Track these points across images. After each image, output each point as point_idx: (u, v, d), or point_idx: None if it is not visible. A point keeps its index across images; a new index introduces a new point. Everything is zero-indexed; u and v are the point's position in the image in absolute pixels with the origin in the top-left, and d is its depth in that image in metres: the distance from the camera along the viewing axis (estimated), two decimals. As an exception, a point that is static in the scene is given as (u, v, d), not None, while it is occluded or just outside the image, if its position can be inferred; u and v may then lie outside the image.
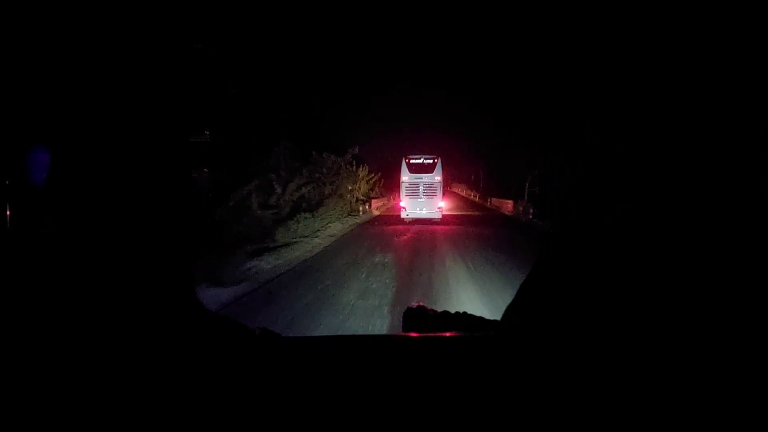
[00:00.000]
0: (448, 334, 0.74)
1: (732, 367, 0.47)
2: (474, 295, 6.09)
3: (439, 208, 16.97)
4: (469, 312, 0.86)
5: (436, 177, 17.07)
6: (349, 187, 19.69)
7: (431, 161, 17.28)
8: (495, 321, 0.76)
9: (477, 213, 23.31)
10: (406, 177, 17.15)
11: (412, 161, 17.32)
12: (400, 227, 15.35)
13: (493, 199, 28.99)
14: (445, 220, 17.12)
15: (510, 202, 23.96)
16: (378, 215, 21.66)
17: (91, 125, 0.58)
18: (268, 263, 8.74)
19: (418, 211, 16.87)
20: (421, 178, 17.03)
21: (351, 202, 20.48)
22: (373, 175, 27.61)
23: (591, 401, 0.48)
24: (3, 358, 0.50)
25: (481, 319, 0.82)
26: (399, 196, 17.86)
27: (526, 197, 21.62)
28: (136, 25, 0.62)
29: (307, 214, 13.75)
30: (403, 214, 17.06)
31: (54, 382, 0.51)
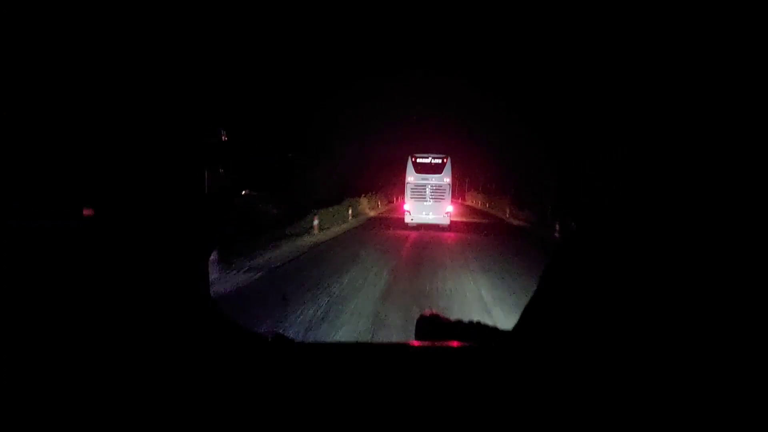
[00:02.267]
0: (459, 344, 0.76)
1: (741, 372, 0.47)
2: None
3: (447, 213, 15.76)
4: (482, 322, 0.90)
5: (445, 178, 15.94)
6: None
7: (440, 161, 16.08)
8: (508, 331, 0.79)
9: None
10: (411, 177, 15.97)
11: (418, 160, 16.13)
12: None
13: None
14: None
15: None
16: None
17: (108, 125, 0.59)
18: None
19: (424, 216, 15.63)
20: (428, 179, 15.86)
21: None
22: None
23: (600, 414, 0.49)
24: (8, 358, 0.50)
25: (494, 329, 0.85)
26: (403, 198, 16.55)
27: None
28: (155, 30, 0.63)
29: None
30: (407, 219, 15.84)
31: (62, 389, 0.52)
